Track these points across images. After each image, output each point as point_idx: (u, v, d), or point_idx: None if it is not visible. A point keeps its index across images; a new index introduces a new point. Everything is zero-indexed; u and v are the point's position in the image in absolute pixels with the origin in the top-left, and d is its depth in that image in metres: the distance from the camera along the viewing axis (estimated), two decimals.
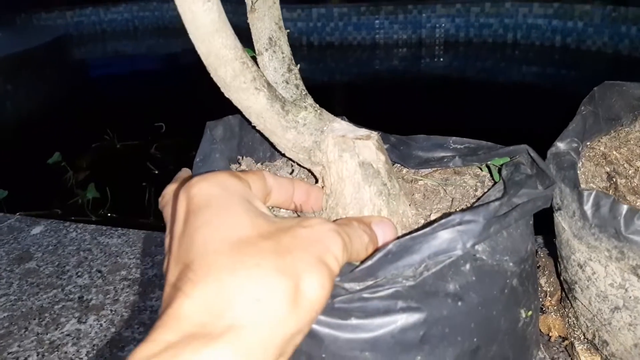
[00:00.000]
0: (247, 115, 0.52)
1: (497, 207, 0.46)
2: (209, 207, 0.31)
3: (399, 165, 0.65)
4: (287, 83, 0.56)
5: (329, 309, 0.44)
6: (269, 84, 0.49)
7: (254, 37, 0.56)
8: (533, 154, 0.57)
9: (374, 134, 0.52)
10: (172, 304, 0.26)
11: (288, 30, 0.57)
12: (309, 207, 0.52)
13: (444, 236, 0.44)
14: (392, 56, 5.29)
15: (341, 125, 0.53)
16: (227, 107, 0.51)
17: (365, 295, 0.44)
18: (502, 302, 0.49)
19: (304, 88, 0.56)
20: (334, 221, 0.38)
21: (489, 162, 0.60)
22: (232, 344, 0.25)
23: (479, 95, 3.95)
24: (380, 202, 0.51)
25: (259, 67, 0.50)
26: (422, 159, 0.64)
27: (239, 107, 0.50)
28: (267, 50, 0.55)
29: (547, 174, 0.53)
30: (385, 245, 0.43)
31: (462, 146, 0.64)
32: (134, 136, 2.90)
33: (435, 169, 0.64)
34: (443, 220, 0.44)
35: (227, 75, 0.46)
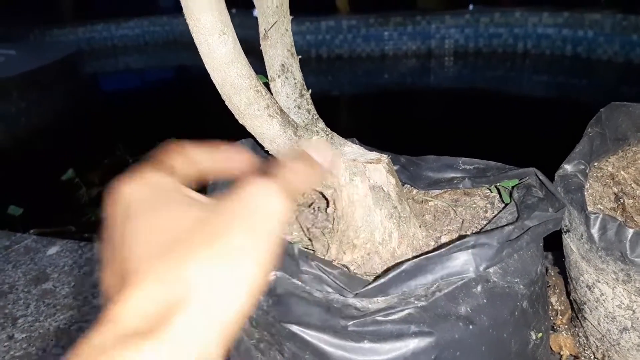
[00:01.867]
0: (260, 141, 0.53)
1: (511, 231, 0.47)
2: (140, 210, 0.32)
3: (409, 186, 0.66)
4: (299, 108, 0.57)
5: (343, 332, 0.45)
6: (281, 111, 0.51)
7: (267, 64, 0.57)
8: (542, 177, 0.58)
9: (384, 157, 0.53)
10: (108, 311, 0.27)
11: (300, 57, 0.58)
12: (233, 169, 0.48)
13: (458, 258, 0.45)
14: (401, 67, 5.30)
15: (352, 149, 0.55)
16: (237, 121, 0.52)
17: (379, 318, 0.45)
18: (513, 324, 0.50)
19: (316, 112, 0.58)
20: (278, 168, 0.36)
21: (498, 184, 0.61)
22: (168, 341, 0.26)
23: (489, 106, 3.95)
24: (391, 225, 0.52)
25: (272, 94, 0.51)
26: (432, 180, 0.64)
27: (253, 133, 0.52)
28: (279, 76, 0.56)
29: (557, 197, 0.54)
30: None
31: (471, 167, 0.64)
32: (146, 151, 2.92)
33: (445, 190, 0.64)
34: (458, 242, 0.45)
35: (242, 103, 0.48)
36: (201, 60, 0.47)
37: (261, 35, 0.56)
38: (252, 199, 0.32)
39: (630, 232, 0.55)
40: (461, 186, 0.63)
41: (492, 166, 0.64)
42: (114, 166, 2.88)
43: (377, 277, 0.46)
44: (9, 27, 5.93)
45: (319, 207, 0.62)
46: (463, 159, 0.65)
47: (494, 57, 5.26)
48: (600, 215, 0.58)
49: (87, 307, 0.99)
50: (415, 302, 0.46)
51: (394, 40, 5.34)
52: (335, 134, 0.57)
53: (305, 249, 0.52)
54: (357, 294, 0.45)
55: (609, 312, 0.63)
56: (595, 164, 0.73)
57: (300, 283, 0.48)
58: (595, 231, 0.59)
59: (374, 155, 0.54)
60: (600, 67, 4.62)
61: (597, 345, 0.70)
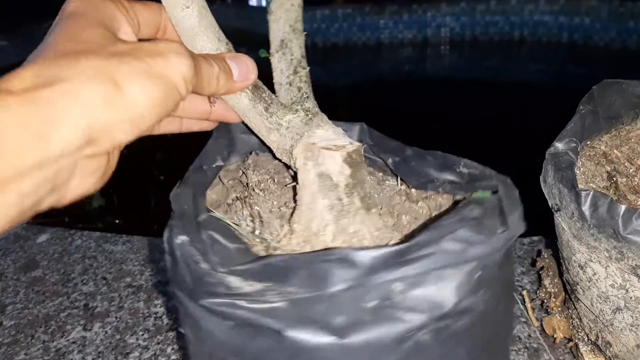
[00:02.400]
0: (236, 113, 0.53)
1: (388, 255, 0.40)
2: (70, 18, 0.36)
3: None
4: (290, 85, 0.56)
5: (207, 308, 0.44)
6: (254, 86, 0.50)
7: (270, 39, 0.57)
8: (502, 191, 0.50)
9: (352, 146, 0.49)
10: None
11: (305, 33, 0.57)
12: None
13: (320, 268, 0.40)
14: (397, 56, 5.28)
15: (325, 133, 0.52)
16: None
17: (243, 304, 0.43)
18: (397, 356, 0.43)
19: (307, 91, 0.56)
20: None
21: (473, 195, 0.55)
22: (33, 102, 0.27)
23: (486, 95, 3.93)
24: (329, 217, 0.49)
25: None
26: (426, 179, 0.58)
27: (228, 104, 0.51)
28: (277, 52, 0.55)
29: (505, 219, 0.45)
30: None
31: (467, 171, 0.57)
32: (140, 141, 2.91)
33: (441, 192, 0.60)
34: (328, 252, 0.41)
35: None
36: None
37: (268, 10, 0.56)
38: (164, 47, 0.34)
39: (622, 208, 0.54)
40: (440, 190, 0.57)
41: (485, 174, 0.56)
42: None
43: (253, 261, 0.43)
44: (1, 20, 5.90)
45: (294, 187, 0.61)
46: (466, 161, 0.58)
47: (491, 46, 5.24)
48: (591, 192, 0.57)
49: (77, 294, 0.98)
50: (283, 297, 0.41)
51: (390, 29, 5.31)
52: (320, 115, 0.55)
53: (219, 220, 0.50)
54: (228, 270, 0.42)
55: (602, 292, 0.63)
56: (588, 142, 0.72)
57: (194, 250, 0.47)
58: (586, 209, 0.57)
59: (342, 141, 0.51)
60: (597, 55, 4.61)
61: (590, 327, 0.69)
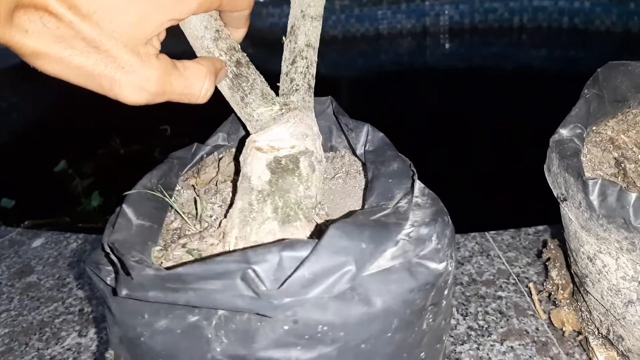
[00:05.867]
0: None
1: (153, 277, 0.37)
2: None
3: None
4: (286, 75, 0.54)
5: (94, 278, 0.44)
6: (236, 75, 0.48)
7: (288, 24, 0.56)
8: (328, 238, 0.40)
9: (288, 151, 0.47)
10: None
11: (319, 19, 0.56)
12: None
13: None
14: (397, 46, 5.23)
15: (283, 131, 0.48)
16: (229, 108, 0.52)
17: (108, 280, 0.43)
18: None
19: (300, 83, 0.53)
20: None
21: None
22: None
23: (487, 83, 3.89)
24: (236, 220, 0.46)
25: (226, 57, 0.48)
26: (383, 202, 0.48)
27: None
28: (286, 38, 0.55)
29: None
30: None
31: (418, 200, 0.47)
32: (139, 140, 2.89)
33: None
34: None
35: None
36: (191, 47, 0.48)
37: None
38: None
39: (633, 196, 0.51)
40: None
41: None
42: (108, 157, 2.85)
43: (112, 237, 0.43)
44: None
45: None
46: (428, 192, 0.48)
47: (490, 33, 5.19)
48: (599, 181, 0.54)
49: (72, 299, 0.96)
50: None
51: (388, 19, 5.26)
52: (300, 112, 0.51)
53: (156, 197, 0.51)
54: (107, 241, 0.43)
55: (613, 285, 0.60)
56: (594, 128, 0.69)
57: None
58: (594, 198, 0.54)
59: (289, 143, 0.47)
60: (599, 38, 4.56)
61: (601, 320, 0.66)
